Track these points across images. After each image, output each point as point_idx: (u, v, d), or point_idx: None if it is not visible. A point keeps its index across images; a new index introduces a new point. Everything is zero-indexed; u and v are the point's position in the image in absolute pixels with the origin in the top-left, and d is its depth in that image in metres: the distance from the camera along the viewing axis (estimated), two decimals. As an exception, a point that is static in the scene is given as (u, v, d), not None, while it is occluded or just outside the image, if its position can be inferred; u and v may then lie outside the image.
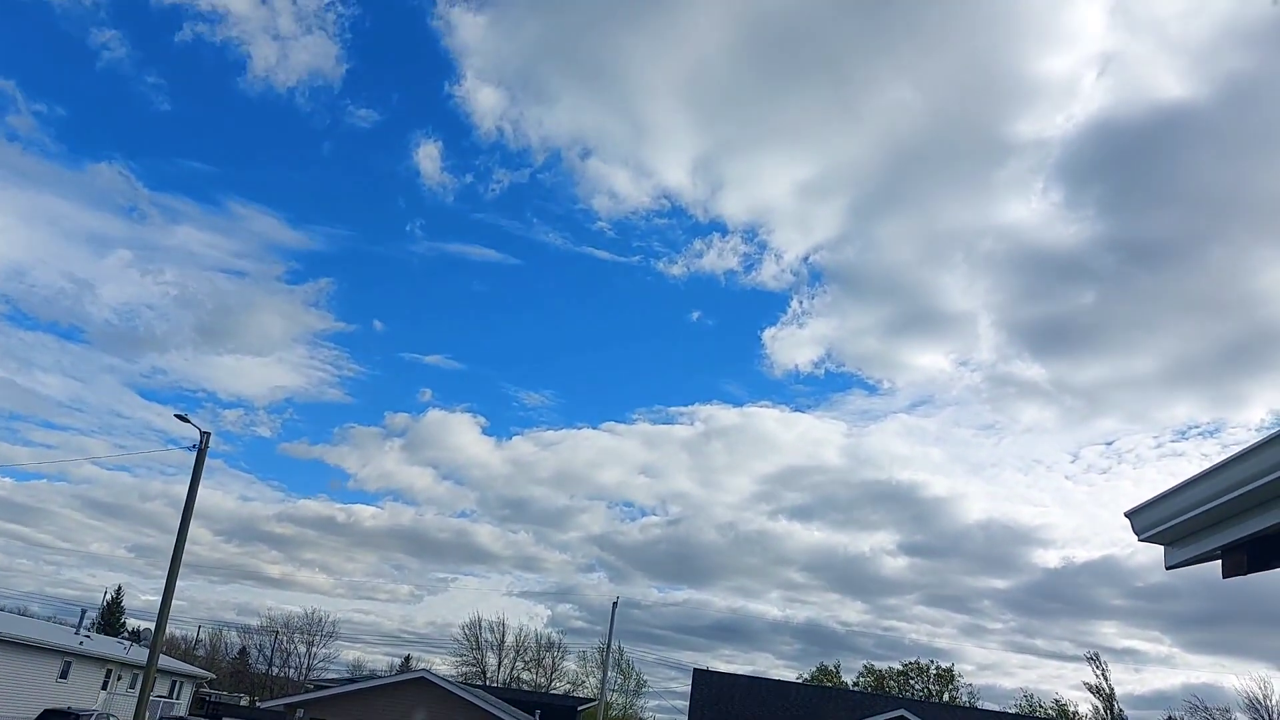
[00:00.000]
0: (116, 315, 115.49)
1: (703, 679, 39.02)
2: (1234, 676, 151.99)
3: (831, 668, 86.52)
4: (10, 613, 50.10)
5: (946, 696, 76.96)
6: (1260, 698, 64.53)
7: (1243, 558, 2.91)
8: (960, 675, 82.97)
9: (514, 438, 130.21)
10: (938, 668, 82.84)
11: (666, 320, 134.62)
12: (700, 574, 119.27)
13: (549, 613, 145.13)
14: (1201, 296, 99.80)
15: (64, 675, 39.29)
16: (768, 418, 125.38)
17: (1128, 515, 3.33)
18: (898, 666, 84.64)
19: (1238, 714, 68.79)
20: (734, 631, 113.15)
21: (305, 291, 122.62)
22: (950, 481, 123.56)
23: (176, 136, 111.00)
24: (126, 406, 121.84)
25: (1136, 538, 3.29)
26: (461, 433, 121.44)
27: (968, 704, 65.72)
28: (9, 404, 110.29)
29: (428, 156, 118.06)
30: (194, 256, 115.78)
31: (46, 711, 33.38)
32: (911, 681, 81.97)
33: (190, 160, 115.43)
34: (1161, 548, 3.31)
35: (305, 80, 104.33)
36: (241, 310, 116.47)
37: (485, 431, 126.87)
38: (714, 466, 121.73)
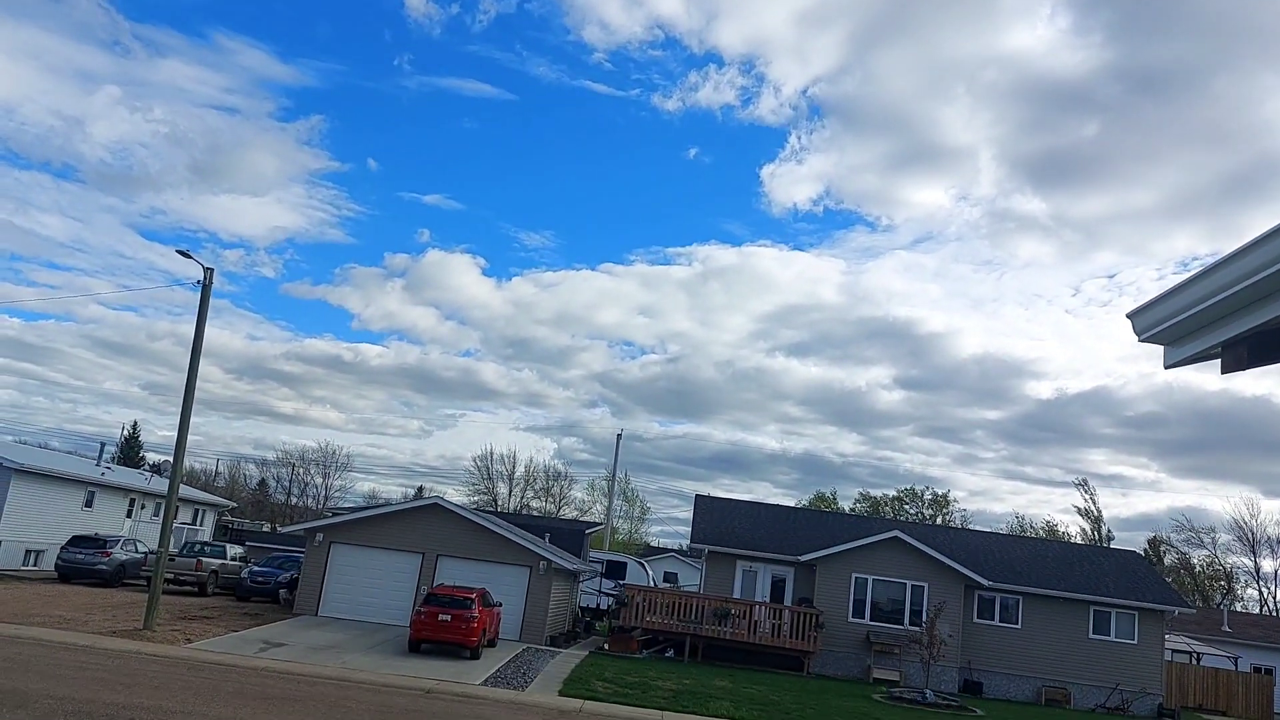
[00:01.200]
0: (110, 154, 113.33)
1: (704, 503, 40.43)
2: (1218, 499, 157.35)
3: (829, 495, 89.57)
4: (32, 447, 51.56)
5: (940, 520, 79.93)
6: (1246, 518, 66.96)
7: (1243, 351, 2.96)
8: (954, 500, 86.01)
9: (514, 278, 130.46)
10: (932, 493, 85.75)
11: (663, 158, 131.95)
12: (699, 409, 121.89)
13: (555, 445, 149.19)
14: (1205, 127, 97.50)
15: (89, 504, 40.82)
16: (766, 257, 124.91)
17: (1129, 316, 3.37)
18: (893, 493, 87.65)
19: (1222, 534, 71.57)
20: (733, 462, 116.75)
21: (298, 129, 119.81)
22: (947, 317, 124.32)
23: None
24: (128, 246, 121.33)
25: (1137, 338, 3.33)
26: (462, 273, 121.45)
27: (960, 527, 68.26)
28: (10, 245, 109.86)
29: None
30: (183, 92, 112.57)
31: (75, 537, 34.87)
32: (906, 507, 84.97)
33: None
34: (1161, 348, 3.37)
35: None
36: (235, 148, 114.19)
37: (485, 272, 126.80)
38: (712, 306, 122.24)
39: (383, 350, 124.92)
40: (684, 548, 58.41)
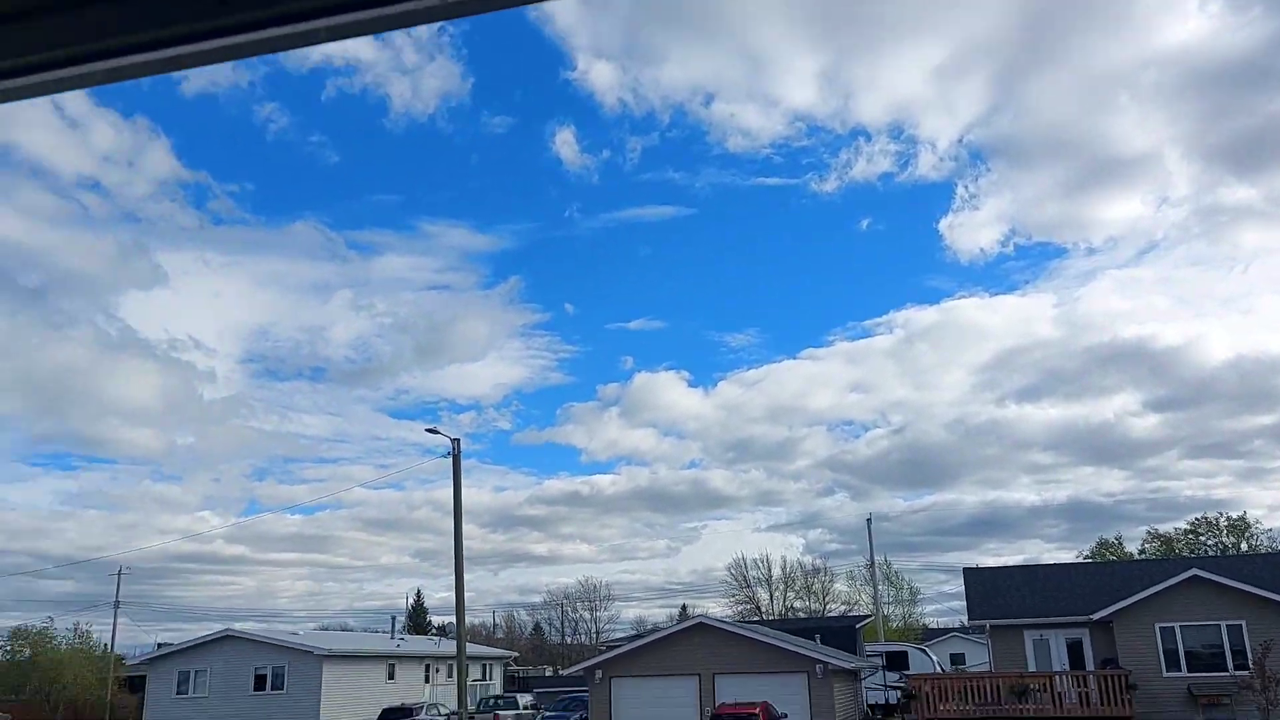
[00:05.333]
0: (351, 350, 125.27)
1: (974, 576, 38.60)
2: None
3: (1112, 540, 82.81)
4: (333, 629, 56.39)
5: (1245, 546, 72.00)
6: None
7: None
8: (1257, 522, 77.40)
9: (719, 384, 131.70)
10: (1228, 519, 77.60)
11: (837, 236, 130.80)
12: (941, 475, 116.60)
13: (803, 541, 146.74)
14: None
15: (391, 676, 44.00)
16: (967, 308, 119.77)
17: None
18: (1184, 526, 79.95)
19: None
20: (992, 524, 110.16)
21: (500, 293, 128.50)
22: (1183, 326, 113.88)
23: (353, 180, 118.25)
24: (381, 429, 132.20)
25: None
26: (669, 389, 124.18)
27: (1268, 549, 61.31)
28: (283, 450, 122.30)
29: (564, 143, 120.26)
30: (402, 282, 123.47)
31: (385, 710, 37.58)
32: (1202, 539, 77.23)
33: (376, 194, 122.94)
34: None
35: (440, 103, 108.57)
36: (451, 322, 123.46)
37: (690, 384, 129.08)
38: (924, 368, 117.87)
39: (614, 478, 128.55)
40: (964, 625, 55.57)
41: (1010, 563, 57.92)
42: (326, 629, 59.17)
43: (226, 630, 42.63)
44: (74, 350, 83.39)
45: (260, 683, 39.86)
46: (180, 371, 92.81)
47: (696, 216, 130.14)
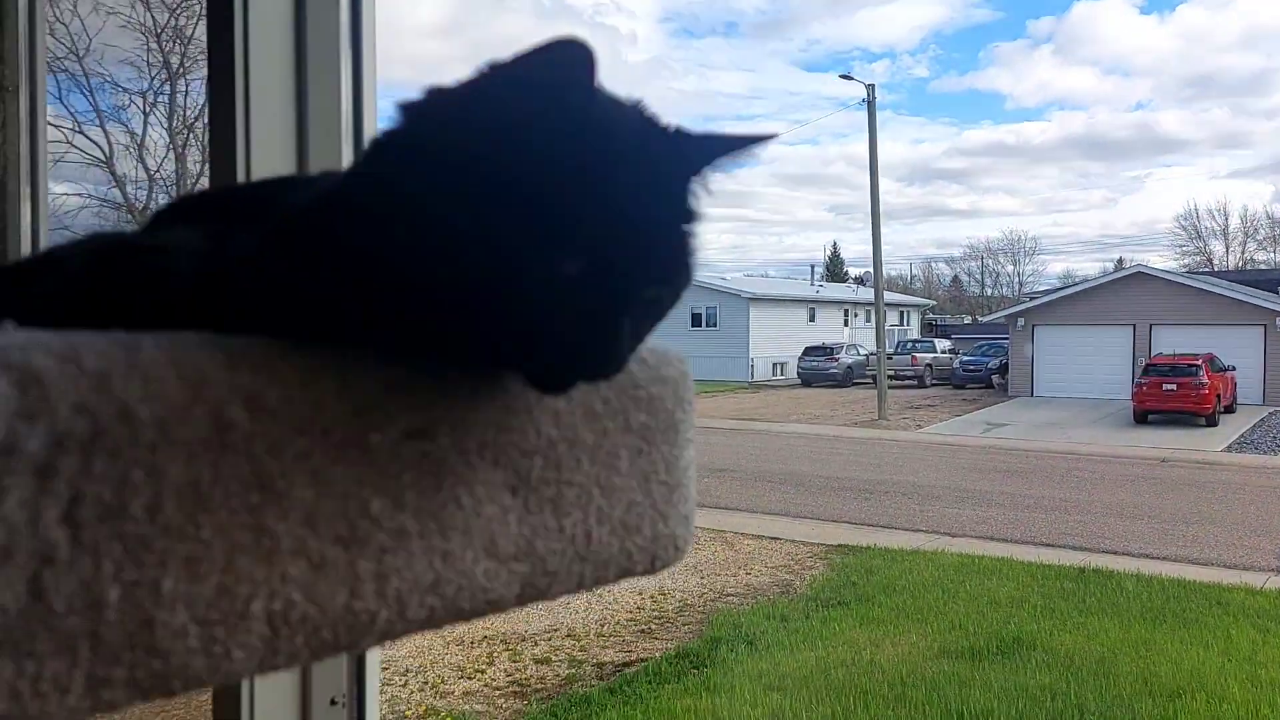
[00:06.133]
0: (762, 1, 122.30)
1: None
2: None
3: None
4: (757, 276, 60.12)
5: None
6: None
7: None
8: None
9: (1178, 8, 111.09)
10: None
11: None
12: None
13: (1271, 189, 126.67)
14: None
15: (811, 319, 46.72)
16: None
17: None
18: None
19: None
20: None
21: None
22: None
23: None
24: (794, 83, 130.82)
25: None
26: (1115, 20, 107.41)
27: None
28: (703, 108, 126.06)
29: None
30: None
31: (808, 348, 40.48)
32: None
33: None
34: None
35: None
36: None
37: (1142, 11, 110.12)
38: None
39: (1044, 125, 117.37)
40: None
41: None
42: (751, 277, 63.32)
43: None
44: (516, 21, 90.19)
45: (696, 320, 44.31)
46: (606, 35, 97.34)
47: None
